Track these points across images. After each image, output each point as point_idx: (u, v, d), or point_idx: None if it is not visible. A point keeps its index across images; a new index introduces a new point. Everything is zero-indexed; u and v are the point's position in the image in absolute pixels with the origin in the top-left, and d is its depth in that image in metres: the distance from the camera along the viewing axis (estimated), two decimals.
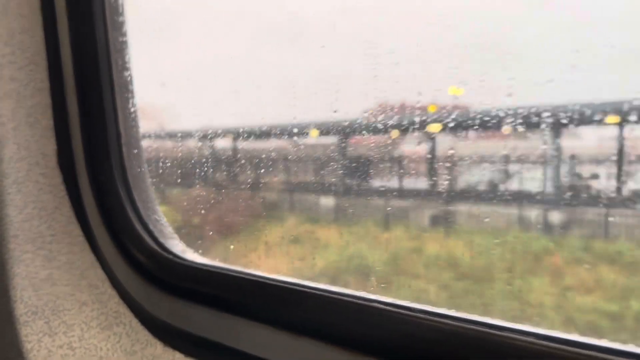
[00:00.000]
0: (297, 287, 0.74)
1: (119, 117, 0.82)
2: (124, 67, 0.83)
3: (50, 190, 0.85)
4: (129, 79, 0.84)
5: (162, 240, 0.83)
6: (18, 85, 0.82)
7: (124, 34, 0.83)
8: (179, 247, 0.83)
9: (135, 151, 0.85)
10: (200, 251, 0.87)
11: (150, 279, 0.81)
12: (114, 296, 0.86)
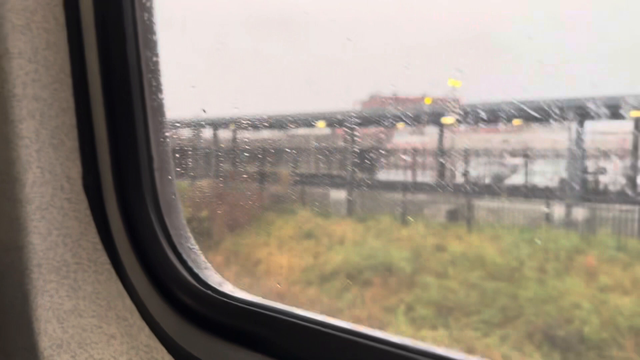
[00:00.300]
0: (344, 334, 0.72)
1: (151, 141, 0.80)
2: (158, 88, 0.82)
3: (75, 216, 0.84)
4: (162, 101, 0.83)
5: (197, 271, 0.81)
6: (42, 105, 0.81)
7: (157, 54, 0.81)
8: (215, 279, 0.82)
9: (169, 177, 0.83)
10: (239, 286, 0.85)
11: (185, 314, 0.80)
12: (144, 328, 0.85)
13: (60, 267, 0.84)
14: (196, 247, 0.85)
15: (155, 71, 0.81)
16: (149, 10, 0.80)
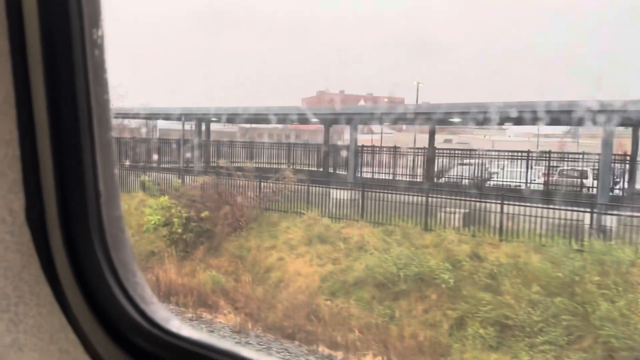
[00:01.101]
0: None
1: (99, 177, 0.89)
2: (107, 126, 0.90)
3: (17, 249, 0.91)
4: (112, 138, 0.92)
5: (143, 307, 0.91)
6: None
7: (106, 91, 0.89)
8: (161, 315, 0.92)
9: (117, 213, 0.93)
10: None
11: (130, 350, 0.89)
12: None
13: (0, 300, 0.90)
14: (143, 281, 0.94)
15: (105, 108, 0.89)
16: (99, 47, 0.88)
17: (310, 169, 19.87)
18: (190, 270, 12.33)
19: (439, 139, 25.98)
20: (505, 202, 11.51)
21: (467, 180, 17.96)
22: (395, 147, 20.36)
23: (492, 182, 18.18)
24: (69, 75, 0.87)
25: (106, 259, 0.91)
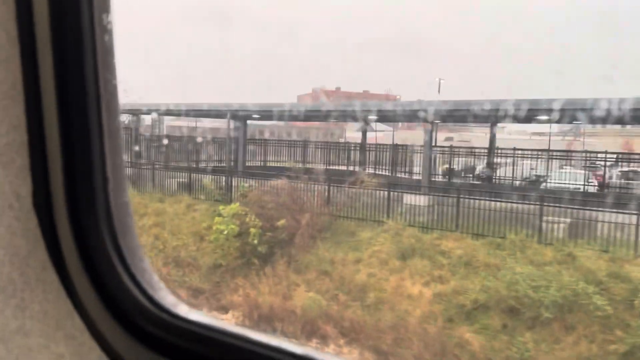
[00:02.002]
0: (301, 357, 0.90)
1: (107, 163, 1.01)
2: (116, 112, 1.02)
3: (24, 234, 1.03)
4: (120, 125, 1.03)
5: (151, 292, 1.04)
6: None
7: (115, 77, 1.01)
8: (169, 300, 1.05)
9: (124, 199, 1.05)
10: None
11: (138, 335, 1.02)
12: (95, 348, 1.05)
13: (6, 286, 1.01)
14: (150, 267, 1.07)
15: (113, 93, 1.01)
16: (109, 32, 0.99)
17: (377, 172, 19.84)
18: (279, 289, 12.22)
19: (440, 137, 26.89)
20: (608, 209, 11.42)
21: (519, 182, 18.40)
22: (473, 148, 20.94)
23: (547, 185, 17.76)
24: (78, 61, 0.97)
25: (114, 245, 1.03)
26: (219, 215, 13.92)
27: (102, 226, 1.03)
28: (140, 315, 1.04)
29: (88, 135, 1.00)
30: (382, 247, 12.30)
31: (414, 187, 15.11)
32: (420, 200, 13.75)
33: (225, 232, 13.49)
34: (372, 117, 20.28)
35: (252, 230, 13.25)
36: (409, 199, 13.94)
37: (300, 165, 18.97)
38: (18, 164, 1.02)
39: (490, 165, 19.85)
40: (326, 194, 14.41)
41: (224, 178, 17.11)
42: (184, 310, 1.04)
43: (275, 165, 21.37)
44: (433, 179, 17.63)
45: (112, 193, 1.03)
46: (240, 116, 21.30)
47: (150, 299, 1.04)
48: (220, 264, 13.34)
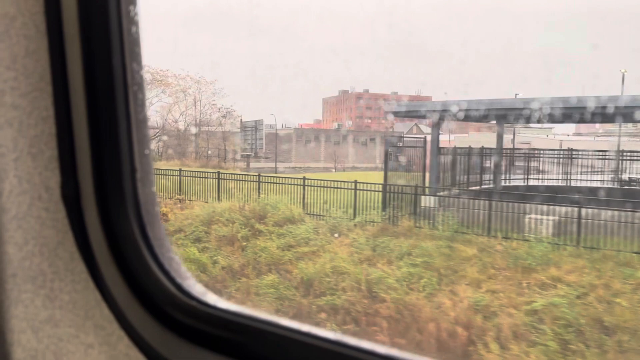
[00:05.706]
0: (330, 345, 0.94)
1: (135, 153, 1.03)
2: (143, 102, 1.04)
3: (53, 225, 1.05)
4: (146, 115, 1.05)
5: (179, 281, 1.06)
6: (21, 113, 1.01)
7: (142, 67, 1.03)
8: (197, 289, 1.07)
9: (151, 189, 1.07)
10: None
11: (167, 323, 1.04)
12: (123, 338, 1.07)
13: (36, 276, 1.04)
14: (177, 257, 1.09)
15: (140, 84, 1.03)
16: (136, 23, 1.02)
17: None
18: None
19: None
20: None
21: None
22: None
23: None
24: (106, 52, 0.99)
25: (142, 234, 1.05)
26: None
27: (131, 216, 1.05)
28: (169, 304, 1.06)
29: (116, 126, 1.02)
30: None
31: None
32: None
33: None
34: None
35: None
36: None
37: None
38: (47, 156, 1.04)
39: None
40: None
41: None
42: (213, 299, 1.06)
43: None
44: None
45: (140, 183, 1.05)
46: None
47: (179, 287, 1.06)
48: None
